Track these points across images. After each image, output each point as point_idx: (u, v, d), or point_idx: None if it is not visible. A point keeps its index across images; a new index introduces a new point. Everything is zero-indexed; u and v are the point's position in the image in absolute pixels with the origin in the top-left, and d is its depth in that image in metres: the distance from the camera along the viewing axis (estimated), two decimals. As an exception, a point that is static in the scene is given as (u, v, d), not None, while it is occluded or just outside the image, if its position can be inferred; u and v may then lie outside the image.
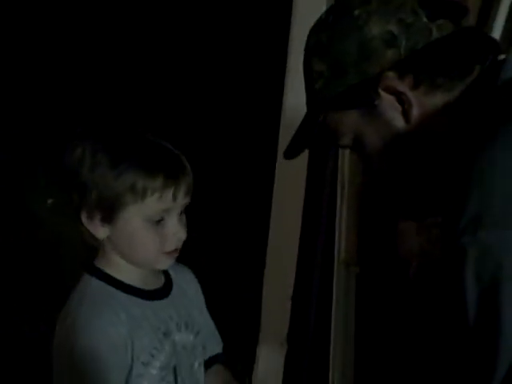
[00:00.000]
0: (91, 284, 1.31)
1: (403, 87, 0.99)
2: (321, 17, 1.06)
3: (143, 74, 4.35)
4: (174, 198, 1.25)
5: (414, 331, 1.70)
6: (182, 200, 1.27)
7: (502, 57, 1.03)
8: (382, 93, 1.01)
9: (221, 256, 3.86)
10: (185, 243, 1.34)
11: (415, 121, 1.01)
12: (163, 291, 1.37)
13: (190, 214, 1.34)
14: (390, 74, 0.99)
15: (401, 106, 1.01)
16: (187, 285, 1.45)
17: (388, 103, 1.01)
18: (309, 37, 1.05)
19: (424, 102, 1.00)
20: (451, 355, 1.00)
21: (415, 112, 1.00)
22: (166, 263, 1.32)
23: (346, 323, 2.02)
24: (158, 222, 1.26)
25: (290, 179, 2.22)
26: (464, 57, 1.00)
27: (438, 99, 1.00)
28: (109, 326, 1.25)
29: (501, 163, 0.87)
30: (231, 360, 2.90)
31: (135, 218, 1.25)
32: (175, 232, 1.27)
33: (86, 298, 1.28)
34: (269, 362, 2.48)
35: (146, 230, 1.25)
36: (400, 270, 1.82)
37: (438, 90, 1.00)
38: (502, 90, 0.95)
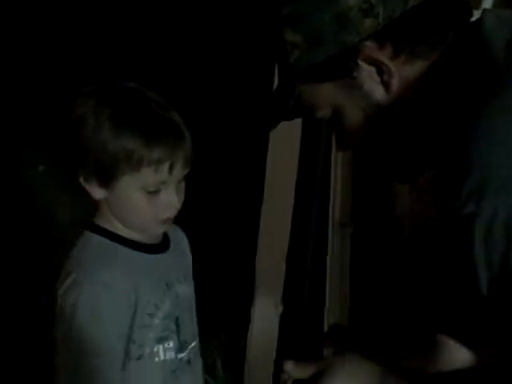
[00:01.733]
0: (92, 241, 1.32)
1: (383, 57, 0.98)
2: None
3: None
4: (171, 170, 1.25)
5: (408, 289, 1.74)
6: (180, 172, 1.28)
7: (474, 18, 1.05)
8: (361, 63, 0.99)
9: (215, 218, 3.91)
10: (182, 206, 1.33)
11: (396, 91, 1.00)
12: (163, 245, 1.39)
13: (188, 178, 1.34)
14: (369, 43, 0.98)
15: (380, 77, 0.99)
16: (181, 242, 1.49)
17: (367, 74, 1.00)
18: (281, 7, 1.01)
19: (404, 72, 0.99)
20: (458, 316, 1.05)
21: (395, 82, 0.99)
22: (159, 230, 1.35)
23: (340, 283, 2.06)
24: (154, 191, 1.26)
25: (285, 140, 2.24)
26: (440, 23, 0.99)
27: (418, 68, 0.99)
28: (112, 280, 1.26)
29: (498, 130, 0.86)
30: (227, 321, 2.98)
31: (131, 186, 1.25)
32: (170, 202, 1.28)
33: (87, 253, 1.30)
34: (264, 322, 2.52)
35: (141, 199, 1.26)
36: (394, 230, 1.86)
37: (417, 59, 0.99)
38: (482, 52, 0.95)
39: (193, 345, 1.44)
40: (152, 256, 1.35)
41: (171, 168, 1.25)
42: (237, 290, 2.89)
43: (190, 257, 1.53)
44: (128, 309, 1.28)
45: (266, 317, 2.46)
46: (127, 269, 1.29)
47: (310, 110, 1.06)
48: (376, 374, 1.06)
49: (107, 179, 1.26)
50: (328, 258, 2.10)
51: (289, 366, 1.11)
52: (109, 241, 1.32)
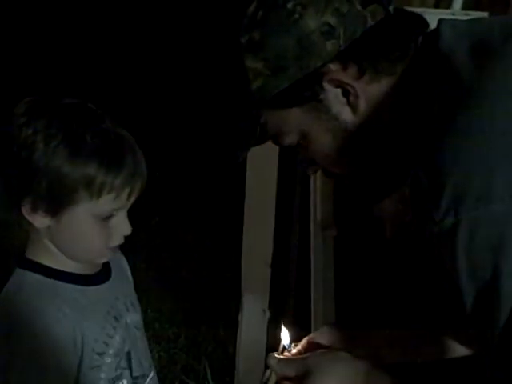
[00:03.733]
0: (26, 280, 1.20)
1: (347, 78, 0.99)
2: (248, 13, 1.03)
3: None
4: (129, 197, 1.19)
5: (392, 290, 1.76)
6: (134, 198, 1.21)
7: (429, 29, 1.04)
8: (327, 86, 0.99)
9: (199, 226, 3.93)
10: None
11: (363, 111, 1.00)
12: (104, 274, 1.30)
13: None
14: (333, 65, 0.98)
15: (346, 98, 1.00)
16: (123, 265, 1.40)
17: (333, 96, 1.00)
18: (240, 35, 1.01)
19: (369, 91, 1.00)
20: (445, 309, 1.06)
21: (362, 102, 1.00)
22: (106, 258, 1.27)
23: (325, 286, 2.08)
24: (106, 218, 1.19)
25: (265, 144, 2.26)
26: (400, 38, 1.00)
27: (383, 84, 1.00)
28: (52, 325, 1.15)
29: (469, 141, 0.86)
30: (214, 329, 2.99)
31: (84, 213, 1.16)
32: (123, 229, 1.21)
33: (22, 296, 1.17)
34: (251, 328, 2.54)
35: (93, 226, 1.18)
36: (376, 231, 1.87)
37: (381, 76, 1.00)
38: (444, 65, 0.95)
39: (151, 376, 1.38)
40: (96, 288, 1.26)
41: (130, 194, 1.19)
42: (223, 298, 2.91)
43: (132, 279, 1.42)
44: (74, 352, 1.18)
45: (253, 323, 2.48)
46: (69, 309, 1.18)
47: (277, 136, 1.06)
48: (364, 372, 1.06)
49: (59, 206, 1.15)
50: (311, 260, 2.13)
51: (273, 361, 1.09)
52: (46, 278, 1.20)
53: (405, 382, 1.03)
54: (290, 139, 1.06)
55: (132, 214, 1.21)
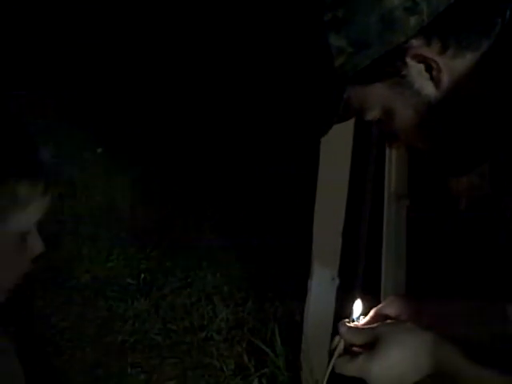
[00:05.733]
0: None
1: (431, 53, 0.99)
2: None
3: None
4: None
5: (463, 262, 1.76)
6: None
7: None
8: (410, 61, 1.00)
9: (271, 193, 3.97)
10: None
11: (446, 86, 1.00)
12: None
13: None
14: (416, 41, 0.98)
15: (429, 73, 1.00)
16: None
17: (416, 72, 1.00)
18: (322, 13, 1.02)
19: (453, 66, 0.99)
20: None
21: (445, 77, 1.00)
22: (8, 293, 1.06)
23: (396, 255, 2.09)
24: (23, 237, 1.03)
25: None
26: (486, 12, 0.99)
27: (467, 60, 1.00)
28: None
29: None
30: (284, 294, 3.05)
31: None
32: (38, 248, 1.06)
33: None
34: (320, 295, 2.57)
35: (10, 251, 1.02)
36: (450, 202, 1.87)
37: (466, 51, 0.99)
38: None
39: None
40: None
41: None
42: (293, 264, 2.95)
43: None
44: None
45: (322, 290, 2.51)
46: None
47: (360, 112, 1.07)
48: (431, 343, 1.09)
49: None
50: (384, 230, 2.14)
51: (343, 329, 1.13)
52: None
53: (471, 354, 1.05)
54: (373, 115, 1.07)
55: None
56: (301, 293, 2.61)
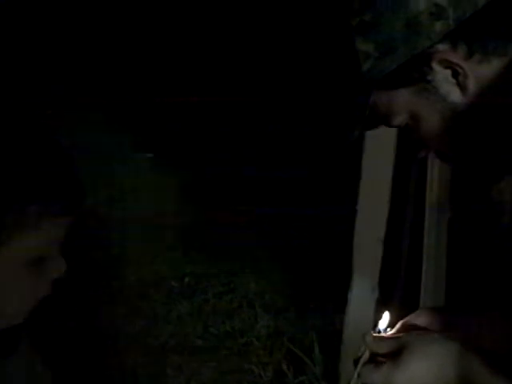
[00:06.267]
0: None
1: (456, 58, 0.98)
2: None
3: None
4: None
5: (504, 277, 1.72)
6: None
7: None
8: (436, 67, 0.99)
9: (313, 201, 3.97)
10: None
11: (472, 91, 1.00)
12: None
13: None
14: (441, 46, 0.98)
15: (455, 79, 1.00)
16: None
17: (442, 77, 1.00)
18: (350, 19, 1.02)
19: (480, 71, 0.99)
20: None
21: (471, 82, 0.99)
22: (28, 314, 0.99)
23: (436, 268, 2.07)
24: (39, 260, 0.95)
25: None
26: None
27: (494, 65, 0.99)
28: None
29: None
30: (324, 304, 3.04)
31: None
32: (59, 270, 0.98)
33: None
34: (360, 306, 2.56)
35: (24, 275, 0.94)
36: (493, 216, 1.84)
37: (492, 56, 0.98)
38: None
39: None
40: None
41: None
42: (334, 275, 2.95)
43: None
44: None
45: (362, 300, 2.49)
46: None
47: (386, 118, 1.06)
48: (456, 353, 1.07)
49: None
50: (424, 242, 2.12)
51: (368, 338, 1.09)
52: None
53: (498, 367, 1.03)
54: (399, 120, 1.06)
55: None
56: (341, 303, 2.60)
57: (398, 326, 1.19)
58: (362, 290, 2.50)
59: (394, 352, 1.10)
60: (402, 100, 1.03)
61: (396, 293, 2.36)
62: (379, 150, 2.25)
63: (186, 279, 3.46)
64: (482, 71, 0.99)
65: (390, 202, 2.31)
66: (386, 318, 1.19)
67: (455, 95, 1.00)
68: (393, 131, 2.19)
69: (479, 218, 1.97)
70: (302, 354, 2.81)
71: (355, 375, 1.12)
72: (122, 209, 4.06)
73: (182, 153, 4.50)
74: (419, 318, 1.20)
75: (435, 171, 2.05)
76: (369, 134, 2.28)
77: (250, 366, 2.86)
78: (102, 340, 3.01)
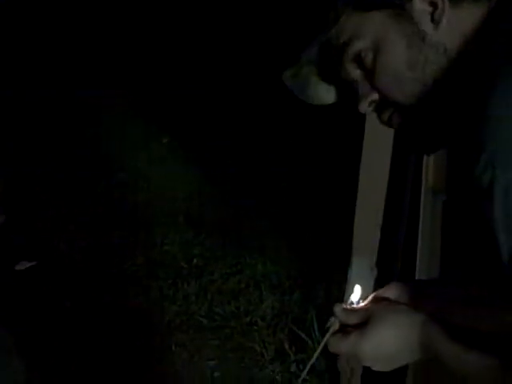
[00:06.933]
0: None
1: None
2: None
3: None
4: None
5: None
6: None
7: None
8: None
9: (315, 187, 4.02)
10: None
11: (443, 29, 1.01)
12: None
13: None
14: None
15: (432, 14, 1.01)
16: None
17: (420, 7, 1.01)
18: None
19: (452, 15, 1.01)
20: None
21: (445, 20, 1.01)
22: None
23: (431, 249, 2.10)
24: None
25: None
26: None
27: (465, 13, 1.01)
28: None
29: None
30: (323, 282, 3.09)
31: None
32: None
33: None
34: (359, 284, 2.60)
35: None
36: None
37: (464, 2, 1.01)
38: None
39: None
40: None
41: None
42: (334, 253, 3.00)
43: None
44: None
45: (361, 279, 2.54)
46: None
47: (348, 42, 1.05)
48: (420, 323, 1.07)
49: None
50: (420, 224, 2.15)
51: (338, 309, 1.14)
52: None
53: (460, 337, 1.06)
54: (361, 44, 1.05)
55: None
56: (341, 283, 2.65)
57: (369, 298, 1.22)
58: (361, 270, 2.54)
59: (363, 322, 1.14)
60: (373, 22, 1.04)
61: (393, 272, 2.40)
62: (378, 137, 2.29)
63: (195, 260, 3.52)
64: (454, 15, 1.01)
65: (387, 187, 2.35)
66: (357, 291, 1.22)
67: (427, 27, 1.02)
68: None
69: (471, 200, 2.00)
70: (302, 334, 2.86)
71: (322, 344, 1.16)
72: (134, 192, 4.13)
73: (195, 139, 4.55)
74: (390, 291, 1.23)
75: (431, 155, 2.08)
76: (368, 121, 2.32)
77: (253, 345, 2.92)
78: (111, 317, 3.09)
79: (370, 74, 1.07)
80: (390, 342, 1.11)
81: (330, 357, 2.72)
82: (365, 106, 1.10)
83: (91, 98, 4.95)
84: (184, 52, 5.43)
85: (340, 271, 2.73)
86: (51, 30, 5.53)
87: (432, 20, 1.01)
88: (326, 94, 1.17)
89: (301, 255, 3.42)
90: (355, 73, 1.08)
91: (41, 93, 4.97)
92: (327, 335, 1.16)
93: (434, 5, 1.01)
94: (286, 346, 2.88)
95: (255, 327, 3.04)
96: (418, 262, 2.17)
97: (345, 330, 1.15)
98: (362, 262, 2.54)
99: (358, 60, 1.06)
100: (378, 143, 2.33)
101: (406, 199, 2.32)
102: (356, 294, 1.22)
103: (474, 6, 1.02)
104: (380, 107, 1.10)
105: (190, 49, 5.44)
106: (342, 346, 1.14)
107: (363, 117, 2.25)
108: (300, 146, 4.25)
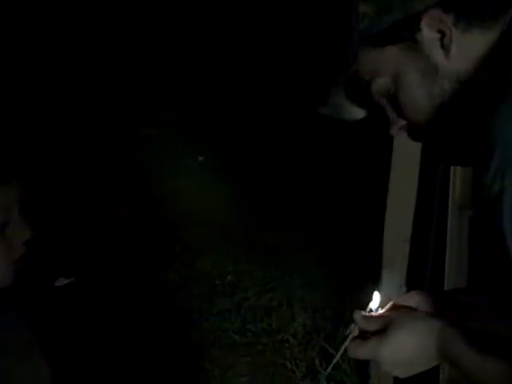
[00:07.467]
0: None
1: (445, 22, 1.04)
2: None
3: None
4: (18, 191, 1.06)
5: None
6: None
7: None
8: (425, 27, 1.05)
9: (343, 202, 4.03)
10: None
11: (454, 56, 1.05)
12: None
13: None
14: (433, 10, 1.04)
15: (441, 42, 1.05)
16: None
17: (429, 38, 1.05)
18: None
19: (462, 41, 1.04)
20: None
21: (454, 47, 1.04)
22: (12, 275, 1.07)
23: (458, 265, 2.10)
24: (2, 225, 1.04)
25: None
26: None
27: (475, 39, 1.05)
28: None
29: None
30: (357, 300, 3.10)
31: None
32: (22, 234, 1.06)
33: None
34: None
35: None
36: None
37: (474, 28, 1.04)
38: None
39: None
40: None
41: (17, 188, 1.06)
42: (364, 271, 3.00)
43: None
44: None
45: (391, 297, 2.54)
46: None
47: (370, 80, 1.11)
48: (438, 330, 1.09)
49: None
50: (447, 240, 2.16)
51: (357, 316, 1.17)
52: None
53: (479, 344, 1.07)
54: (383, 81, 1.11)
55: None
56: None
57: (388, 306, 1.25)
58: (390, 287, 2.54)
59: (382, 329, 1.17)
60: (388, 58, 1.09)
61: (423, 288, 2.40)
62: (406, 153, 2.31)
63: (229, 277, 3.55)
64: (464, 40, 1.05)
65: (416, 202, 2.37)
66: (376, 298, 1.26)
67: (438, 57, 1.06)
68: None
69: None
70: (333, 352, 2.86)
71: (341, 350, 1.19)
72: (171, 208, 4.19)
73: (228, 155, 4.62)
74: (409, 299, 1.26)
75: (458, 171, 2.09)
76: (397, 138, 2.35)
77: (284, 362, 2.94)
78: (145, 332, 3.14)
79: (394, 103, 1.12)
80: (408, 348, 1.14)
81: (361, 376, 2.73)
82: (395, 131, 1.16)
83: (131, 113, 5.05)
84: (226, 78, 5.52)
85: (370, 288, 2.73)
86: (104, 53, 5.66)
87: (442, 46, 1.05)
88: (358, 111, 1.22)
89: (332, 273, 3.43)
90: (382, 101, 1.14)
91: (82, 104, 5.09)
92: (347, 341, 1.19)
93: (442, 32, 1.05)
94: (317, 363, 2.88)
95: (287, 344, 3.06)
96: (445, 279, 2.18)
97: (364, 336, 1.18)
98: (392, 279, 2.55)
99: (383, 92, 1.12)
100: (405, 161, 2.35)
101: (433, 215, 2.33)
102: (375, 302, 1.25)
103: (485, 31, 1.05)
104: (409, 129, 1.16)
105: (230, 76, 5.53)
106: (361, 351, 1.17)
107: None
108: (330, 163, 4.28)
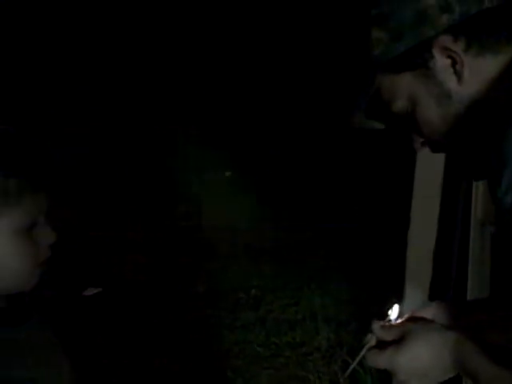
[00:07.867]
0: None
1: (456, 48, 1.05)
2: None
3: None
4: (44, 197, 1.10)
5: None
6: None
7: None
8: (437, 54, 1.07)
9: (368, 220, 4.04)
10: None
11: (467, 81, 1.07)
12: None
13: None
14: (444, 36, 1.06)
15: (453, 68, 1.07)
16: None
17: (441, 64, 1.07)
18: (370, 10, 1.11)
19: (475, 64, 1.06)
20: None
21: (467, 73, 1.06)
22: (37, 278, 1.10)
23: (480, 281, 2.12)
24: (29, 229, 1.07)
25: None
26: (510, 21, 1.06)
27: (488, 61, 1.07)
28: None
29: None
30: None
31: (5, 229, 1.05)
32: (47, 238, 1.10)
33: None
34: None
35: (19, 242, 1.06)
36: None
37: (487, 52, 1.06)
38: None
39: None
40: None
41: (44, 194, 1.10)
42: (387, 287, 3.01)
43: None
44: None
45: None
46: None
47: (389, 102, 1.13)
48: (453, 341, 1.10)
49: None
50: (469, 257, 2.17)
51: (375, 326, 1.19)
52: None
53: (497, 356, 1.09)
54: (400, 104, 1.13)
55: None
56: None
57: (405, 316, 1.28)
58: (413, 301, 2.55)
59: (399, 339, 1.20)
60: (404, 84, 1.11)
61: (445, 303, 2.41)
62: (429, 169, 2.33)
63: (253, 291, 3.59)
64: (477, 64, 1.08)
65: (439, 218, 2.39)
66: (395, 309, 1.28)
67: (451, 83, 1.08)
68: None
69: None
70: (357, 366, 2.87)
71: (358, 358, 1.22)
72: (196, 222, 4.24)
73: (256, 171, 4.66)
74: (427, 311, 1.28)
75: (479, 188, 2.11)
76: (420, 155, 2.37)
77: (307, 375, 2.96)
78: (171, 343, 3.18)
79: (412, 122, 1.16)
80: (423, 359, 1.15)
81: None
82: (418, 147, 1.19)
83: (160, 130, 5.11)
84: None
85: (393, 302, 2.75)
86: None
87: (455, 73, 1.07)
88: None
89: (356, 287, 3.45)
90: (402, 120, 1.17)
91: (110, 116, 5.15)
92: (364, 350, 1.21)
93: (454, 61, 1.06)
94: (340, 377, 2.90)
95: (310, 358, 3.08)
96: (468, 294, 2.19)
97: (381, 345, 1.20)
98: (415, 294, 2.56)
99: (401, 113, 1.15)
100: (428, 178, 2.37)
101: (456, 230, 2.34)
102: (394, 313, 1.27)
103: (498, 54, 1.07)
104: (429, 143, 1.19)
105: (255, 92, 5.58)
106: (378, 359, 1.19)
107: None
108: (356, 178, 4.30)
